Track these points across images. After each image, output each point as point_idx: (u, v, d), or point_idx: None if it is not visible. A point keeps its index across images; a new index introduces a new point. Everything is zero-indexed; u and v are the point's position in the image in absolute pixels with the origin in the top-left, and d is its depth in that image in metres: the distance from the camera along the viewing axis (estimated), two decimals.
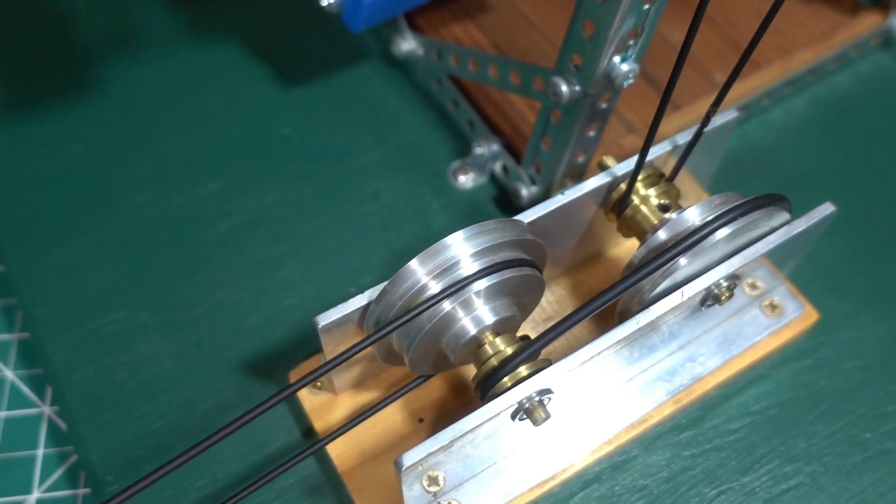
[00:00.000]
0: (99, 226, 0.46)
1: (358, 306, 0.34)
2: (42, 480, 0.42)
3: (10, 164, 0.48)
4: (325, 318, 0.33)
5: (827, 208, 0.37)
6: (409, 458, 0.31)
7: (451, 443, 0.31)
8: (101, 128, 0.50)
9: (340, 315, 0.34)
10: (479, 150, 0.48)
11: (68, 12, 0.55)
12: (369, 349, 0.36)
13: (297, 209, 0.47)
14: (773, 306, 0.41)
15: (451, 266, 0.32)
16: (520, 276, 0.33)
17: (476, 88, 0.49)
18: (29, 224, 0.46)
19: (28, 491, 0.42)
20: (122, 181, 0.48)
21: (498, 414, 0.32)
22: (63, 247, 0.46)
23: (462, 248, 0.33)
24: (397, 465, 0.31)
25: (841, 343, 0.43)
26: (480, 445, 0.36)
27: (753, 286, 0.41)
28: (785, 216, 0.36)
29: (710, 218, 0.33)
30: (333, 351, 0.35)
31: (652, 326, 0.35)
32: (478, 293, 0.33)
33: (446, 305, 0.33)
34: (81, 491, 0.42)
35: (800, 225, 0.36)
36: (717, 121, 0.39)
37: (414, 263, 0.33)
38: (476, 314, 0.33)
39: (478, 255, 0.33)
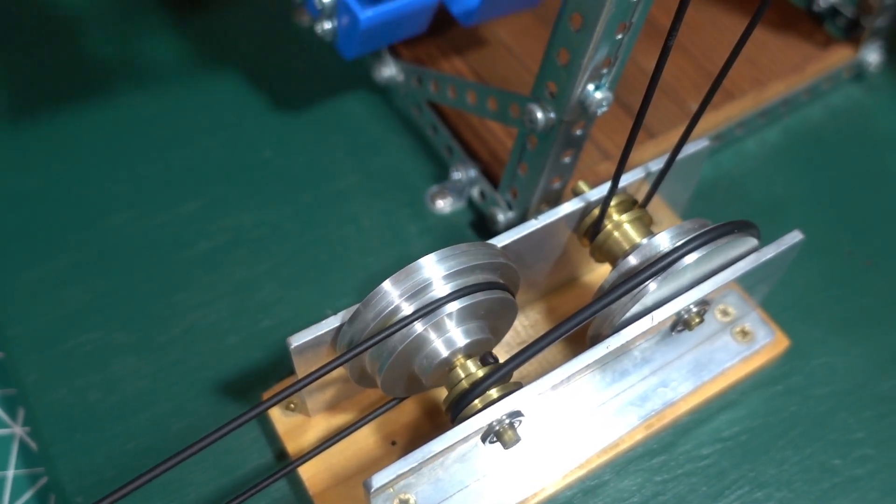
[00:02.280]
0: (76, 245, 0.46)
1: (331, 328, 0.34)
2: (12, 501, 0.42)
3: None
4: (298, 340, 0.34)
5: (795, 236, 0.37)
6: (379, 479, 0.31)
7: (421, 465, 0.31)
8: (81, 147, 0.50)
9: (313, 336, 0.34)
10: (457, 175, 0.48)
11: (50, 37, 0.55)
12: (342, 371, 0.37)
13: (275, 231, 0.47)
14: (744, 333, 0.42)
15: (424, 288, 0.33)
16: (492, 299, 0.34)
17: (455, 115, 0.50)
18: (5, 242, 0.46)
19: None
20: (101, 200, 0.48)
21: (468, 436, 0.32)
22: (40, 266, 0.46)
23: (435, 270, 0.33)
24: (366, 487, 0.31)
25: (812, 369, 0.43)
26: (452, 468, 0.36)
27: (725, 312, 0.42)
28: (753, 243, 0.36)
29: (679, 243, 0.34)
30: (306, 372, 0.35)
31: (623, 351, 0.35)
32: (450, 315, 0.33)
33: (418, 327, 0.33)
34: None
35: (768, 252, 0.37)
36: (689, 149, 0.40)
37: (387, 285, 0.33)
38: (448, 336, 0.34)
39: (450, 277, 0.33)
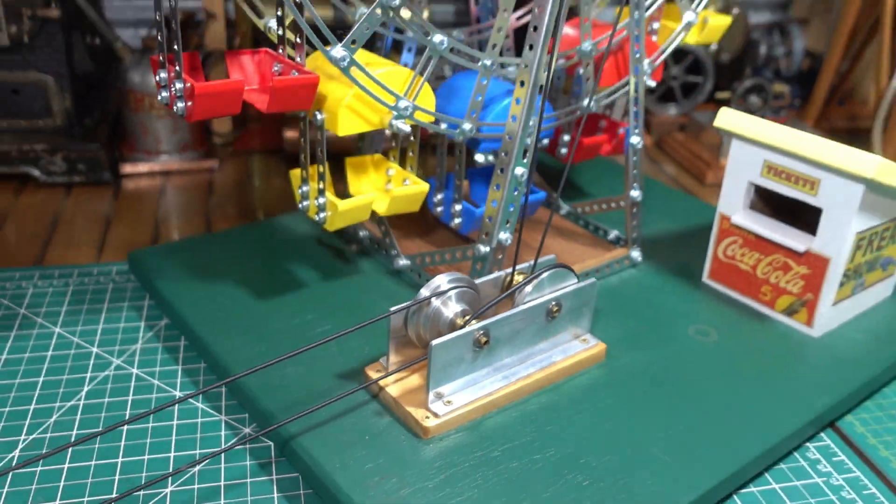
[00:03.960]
0: (264, 331, 0.92)
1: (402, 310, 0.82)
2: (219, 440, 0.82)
3: (223, 307, 0.96)
4: (393, 310, 0.81)
5: (592, 280, 0.88)
6: (438, 341, 0.76)
7: (455, 338, 0.77)
8: (261, 291, 0.99)
9: (398, 313, 0.81)
10: None
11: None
12: (416, 351, 0.83)
13: (347, 325, 0.95)
14: (583, 340, 0.90)
15: (438, 286, 0.81)
16: (470, 292, 0.82)
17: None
18: (233, 332, 0.92)
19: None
20: (267, 314, 0.95)
21: (465, 335, 0.78)
22: (242, 338, 0.91)
23: (444, 281, 0.82)
24: (430, 346, 0.76)
25: (618, 363, 0.91)
26: (454, 378, 0.81)
27: (575, 333, 0.90)
28: (574, 279, 0.88)
29: (539, 271, 0.85)
30: (394, 331, 0.81)
31: (524, 319, 0.83)
32: (450, 297, 0.81)
33: (436, 303, 0.81)
34: (247, 429, 0.82)
35: (580, 283, 0.87)
36: (542, 261, 0.92)
37: (423, 289, 0.81)
38: (450, 308, 0.81)
39: (450, 283, 0.82)
